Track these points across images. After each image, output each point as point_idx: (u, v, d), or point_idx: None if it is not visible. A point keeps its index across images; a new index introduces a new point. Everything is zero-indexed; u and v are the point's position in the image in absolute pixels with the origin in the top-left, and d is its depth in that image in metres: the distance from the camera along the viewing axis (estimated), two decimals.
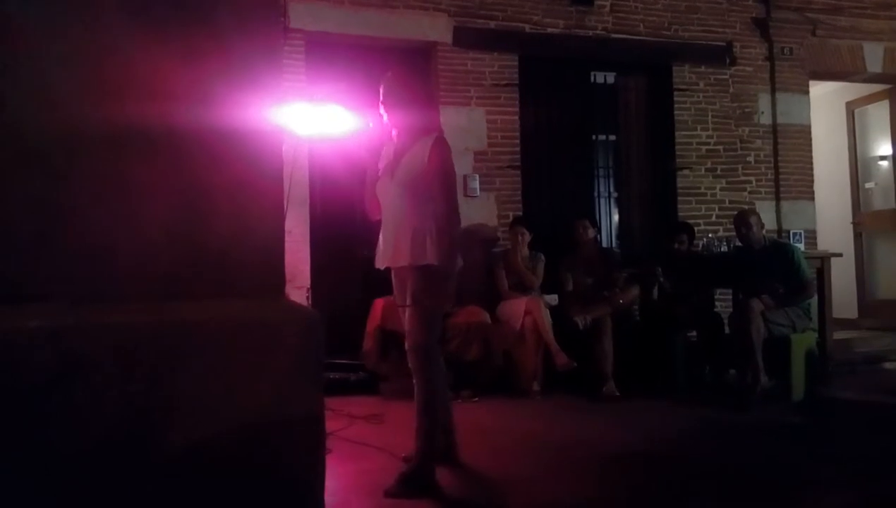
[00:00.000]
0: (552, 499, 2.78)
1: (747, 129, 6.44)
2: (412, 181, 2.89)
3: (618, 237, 6.32)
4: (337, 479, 2.77)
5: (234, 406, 1.58)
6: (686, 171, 6.24)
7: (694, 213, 6.18)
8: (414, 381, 2.92)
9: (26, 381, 1.44)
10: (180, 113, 1.69)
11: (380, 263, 3.03)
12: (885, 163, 7.45)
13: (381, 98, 3.01)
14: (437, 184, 2.87)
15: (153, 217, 1.68)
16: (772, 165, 6.48)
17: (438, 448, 2.93)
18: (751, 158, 6.44)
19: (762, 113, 6.48)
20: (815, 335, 5.04)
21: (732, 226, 5.35)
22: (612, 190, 6.29)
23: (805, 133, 6.60)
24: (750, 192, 6.40)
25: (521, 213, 5.63)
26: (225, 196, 1.73)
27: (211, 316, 1.62)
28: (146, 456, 1.52)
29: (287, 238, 2.00)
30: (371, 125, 3.09)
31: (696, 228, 5.72)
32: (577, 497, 2.79)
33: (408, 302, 2.90)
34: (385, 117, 3.02)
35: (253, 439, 1.59)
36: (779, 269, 4.78)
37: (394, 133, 3.05)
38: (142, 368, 1.52)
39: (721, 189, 6.32)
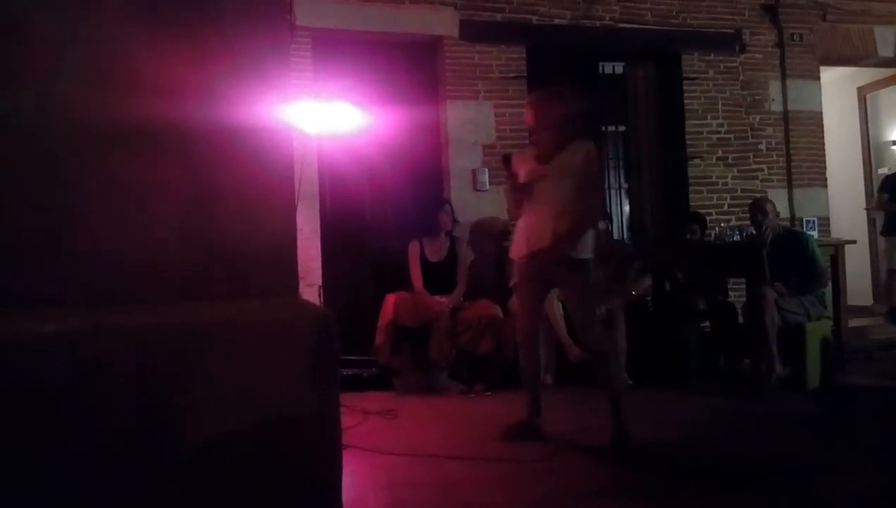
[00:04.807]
0: (570, 486, 2.78)
1: (758, 117, 6.37)
2: (565, 178, 3.36)
3: (629, 228, 6.27)
4: (353, 475, 2.78)
5: (250, 405, 1.58)
6: (697, 161, 6.19)
7: (706, 203, 6.12)
8: (597, 360, 3.40)
9: (43, 385, 1.44)
10: (189, 112, 1.69)
11: (534, 246, 3.37)
12: None
13: (533, 116, 3.57)
14: (591, 181, 3.45)
15: (164, 217, 1.68)
16: (783, 153, 6.40)
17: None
18: (762, 146, 6.37)
19: (773, 100, 6.40)
20: (830, 322, 5.00)
21: (745, 215, 5.31)
22: (622, 181, 6.24)
23: (816, 119, 6.52)
24: (762, 180, 6.34)
25: None
26: (236, 195, 1.73)
27: (224, 316, 1.62)
28: (163, 457, 1.52)
29: (298, 236, 2.00)
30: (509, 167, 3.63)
31: (707, 218, 5.68)
32: (593, 486, 2.80)
33: (577, 292, 3.40)
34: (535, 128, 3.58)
35: (270, 438, 1.59)
36: (793, 259, 4.74)
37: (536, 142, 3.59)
38: (156, 370, 1.52)
39: (732, 178, 6.26)
